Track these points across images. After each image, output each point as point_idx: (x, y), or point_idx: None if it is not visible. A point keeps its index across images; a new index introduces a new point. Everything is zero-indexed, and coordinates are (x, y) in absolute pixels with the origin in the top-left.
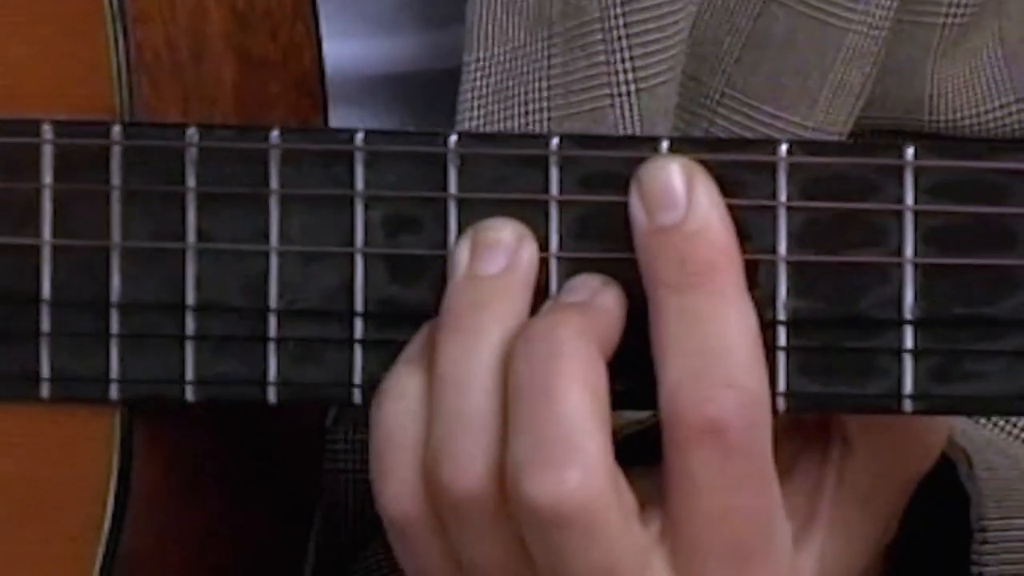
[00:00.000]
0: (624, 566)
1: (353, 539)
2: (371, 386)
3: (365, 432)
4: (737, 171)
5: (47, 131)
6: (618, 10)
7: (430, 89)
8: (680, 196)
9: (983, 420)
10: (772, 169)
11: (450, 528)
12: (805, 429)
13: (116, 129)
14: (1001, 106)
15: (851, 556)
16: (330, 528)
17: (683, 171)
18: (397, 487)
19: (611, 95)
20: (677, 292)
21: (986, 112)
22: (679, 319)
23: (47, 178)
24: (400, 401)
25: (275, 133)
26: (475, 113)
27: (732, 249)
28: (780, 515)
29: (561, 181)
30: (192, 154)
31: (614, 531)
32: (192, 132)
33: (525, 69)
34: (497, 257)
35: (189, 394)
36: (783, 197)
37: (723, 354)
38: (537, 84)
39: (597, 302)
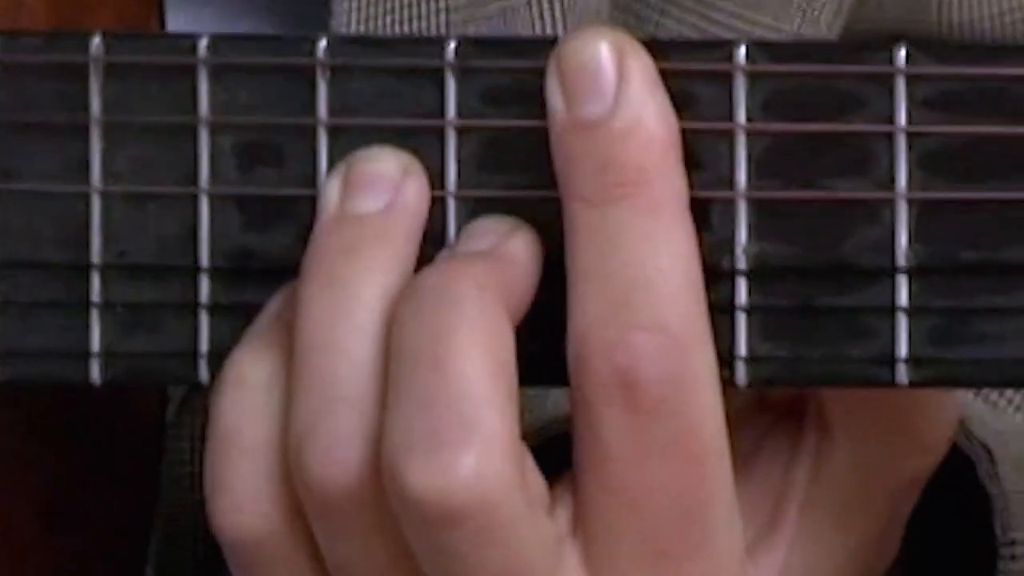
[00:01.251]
0: (530, 569)
1: (203, 563)
2: (220, 359)
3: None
4: (683, 82)
5: None
6: None
7: None
8: (608, 82)
9: (1003, 402)
10: (727, 79)
11: (317, 535)
12: (772, 412)
13: None
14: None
15: (824, 571)
16: (172, 550)
17: (614, 49)
18: (239, 497)
19: (528, 3)
20: (595, 206)
21: (1010, 11)
22: (593, 242)
23: None
24: (246, 386)
25: (96, 40)
26: (353, 16)
27: (669, 156)
28: (723, 507)
29: (460, 98)
30: None
31: (518, 527)
32: None
33: None
34: (376, 193)
35: None
36: (741, 116)
37: (643, 288)
38: None
39: (503, 250)
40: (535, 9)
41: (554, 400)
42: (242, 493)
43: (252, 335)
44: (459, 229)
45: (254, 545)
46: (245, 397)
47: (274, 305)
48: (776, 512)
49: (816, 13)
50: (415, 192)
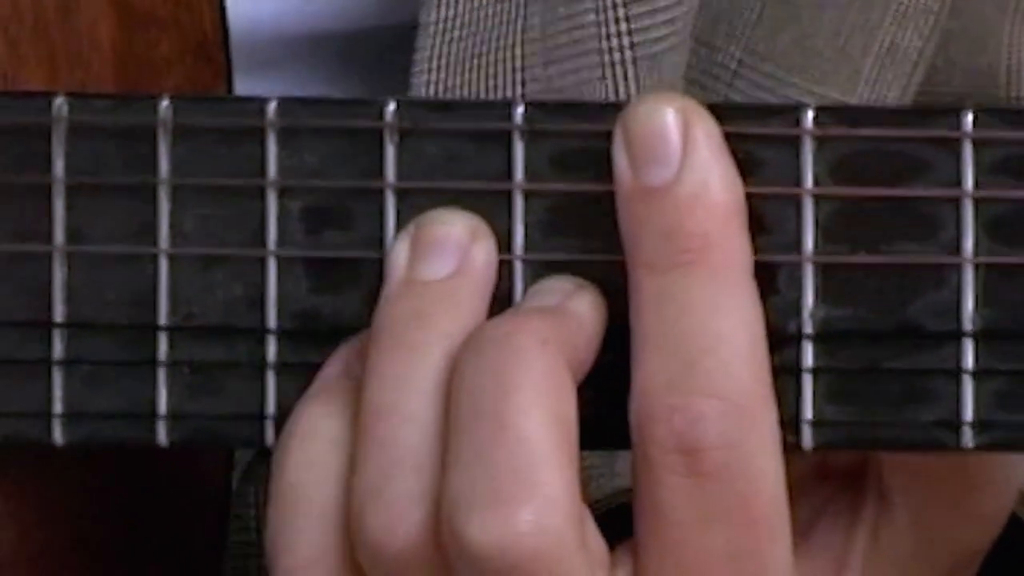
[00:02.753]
0: None
1: None
2: (285, 420)
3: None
4: (751, 146)
5: None
6: None
7: (371, 53)
8: (674, 148)
9: None
10: (795, 143)
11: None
12: (833, 480)
13: None
14: None
15: None
16: None
17: (679, 115)
18: (303, 558)
19: (602, 64)
20: (660, 272)
21: None
22: (658, 307)
23: None
24: (312, 442)
25: (164, 103)
26: (432, 85)
27: (734, 223)
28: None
29: (528, 161)
30: (60, 131)
31: None
32: (60, 103)
33: (495, 32)
34: (444, 257)
35: (57, 434)
36: (809, 181)
37: (707, 354)
38: (509, 51)
39: (567, 307)
40: (610, 83)
41: (619, 472)
42: (306, 554)
43: (319, 391)
44: (525, 293)
45: None
46: (310, 454)
47: (339, 361)
48: None
49: (885, 89)
50: (483, 256)
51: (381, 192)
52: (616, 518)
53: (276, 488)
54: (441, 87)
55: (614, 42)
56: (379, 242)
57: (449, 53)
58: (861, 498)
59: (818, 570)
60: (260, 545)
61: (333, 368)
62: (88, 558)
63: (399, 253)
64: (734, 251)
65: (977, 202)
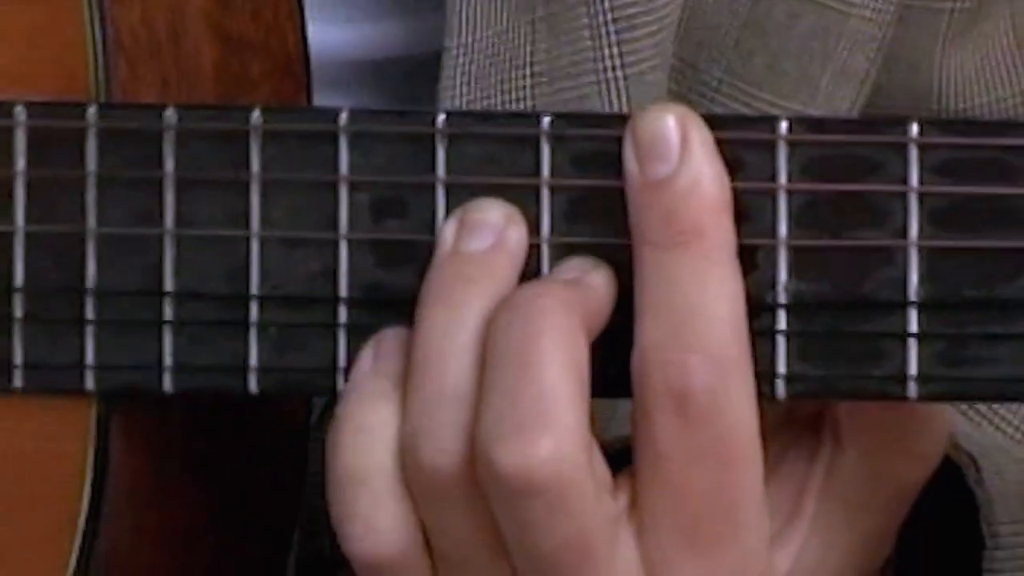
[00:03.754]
0: (593, 539)
1: (332, 546)
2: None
3: None
4: (736, 149)
5: (20, 113)
6: None
7: (413, 74)
8: (673, 148)
9: (985, 423)
10: (772, 148)
11: (422, 511)
12: (796, 425)
13: (91, 111)
14: (1014, 95)
15: (832, 563)
16: (311, 542)
17: (678, 121)
18: (366, 523)
19: (597, 82)
20: (660, 250)
21: (998, 101)
22: (658, 279)
23: (20, 163)
24: (373, 396)
25: (256, 113)
26: (457, 99)
27: (722, 211)
28: (754, 504)
29: (553, 162)
30: (170, 136)
31: (585, 502)
32: (170, 113)
33: (508, 55)
34: (484, 235)
35: (167, 384)
36: (783, 178)
37: (696, 319)
38: (521, 71)
39: (585, 280)
40: (605, 97)
41: (618, 421)
42: (368, 519)
43: (358, 382)
44: (551, 270)
45: (386, 564)
46: (361, 435)
47: (395, 329)
48: (795, 509)
49: (838, 103)
50: (515, 236)
51: (433, 186)
52: (618, 459)
53: (331, 468)
54: (464, 101)
55: (608, 63)
56: (431, 227)
57: (469, 73)
58: (819, 440)
59: (782, 500)
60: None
61: (388, 333)
62: (191, 490)
63: (448, 231)
64: (721, 235)
65: (921, 196)
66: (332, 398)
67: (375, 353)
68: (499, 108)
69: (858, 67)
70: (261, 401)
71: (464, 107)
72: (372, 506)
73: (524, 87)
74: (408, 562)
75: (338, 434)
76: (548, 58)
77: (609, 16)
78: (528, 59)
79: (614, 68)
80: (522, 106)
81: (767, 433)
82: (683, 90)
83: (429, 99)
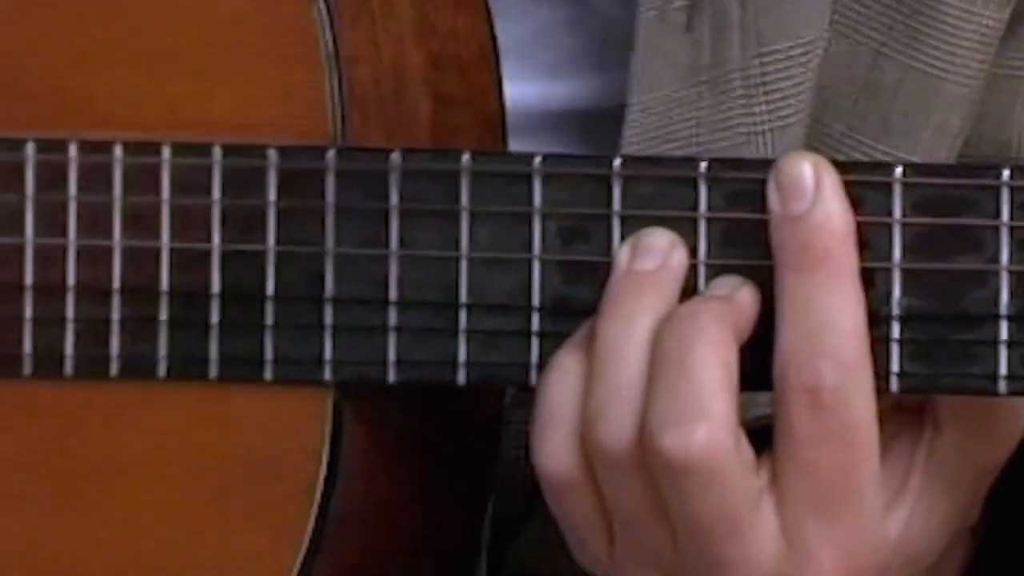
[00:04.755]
0: (739, 509)
1: (519, 513)
2: (544, 368)
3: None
4: (859, 189)
5: (272, 155)
6: (756, 61)
7: (597, 125)
8: (809, 189)
9: None
10: (888, 188)
11: (600, 480)
12: (903, 413)
13: (331, 153)
14: None
15: (933, 527)
16: (504, 504)
17: (813, 167)
18: (554, 447)
19: (747, 134)
20: (797, 272)
21: None
22: (795, 296)
23: (271, 195)
24: (562, 376)
25: (466, 156)
26: (635, 146)
27: (848, 241)
28: (871, 479)
29: (709, 198)
30: (395, 175)
31: (733, 479)
32: (395, 156)
33: (678, 110)
34: (653, 256)
35: (391, 376)
36: (897, 213)
37: (826, 330)
38: (686, 124)
39: (735, 296)
40: (755, 147)
41: (758, 403)
42: (554, 448)
43: (569, 344)
44: (706, 286)
45: (561, 483)
46: (561, 383)
47: (584, 328)
48: (903, 484)
49: (936, 153)
50: (678, 258)
51: (610, 217)
52: (758, 437)
53: (538, 404)
54: (639, 148)
55: (757, 119)
56: (608, 250)
57: (646, 124)
58: (921, 427)
59: (892, 476)
60: (518, 451)
61: (578, 335)
62: (413, 462)
63: (623, 253)
64: (847, 260)
65: (1011, 229)
66: (523, 389)
67: (589, 327)
68: (666, 154)
69: (953, 124)
70: (466, 391)
71: (638, 153)
72: (558, 441)
73: (687, 137)
74: (577, 488)
75: (548, 373)
76: (708, 114)
77: (760, 80)
78: (694, 114)
79: (761, 123)
80: (684, 153)
81: (882, 421)
82: (811, 140)
83: (606, 145)
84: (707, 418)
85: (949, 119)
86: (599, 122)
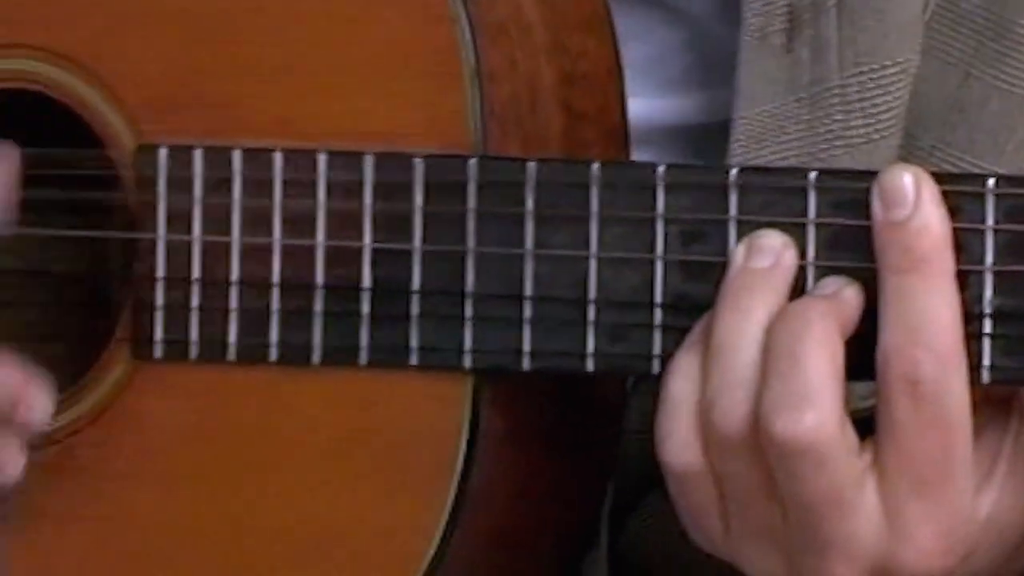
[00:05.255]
0: (844, 488)
1: (636, 488)
2: (665, 359)
3: (650, 401)
4: (955, 198)
5: (419, 164)
6: (853, 80)
7: (704, 139)
8: (909, 197)
9: None
10: (982, 197)
11: (716, 464)
12: (993, 404)
13: (472, 162)
14: None
15: (1018, 509)
16: (624, 478)
17: (914, 177)
18: (678, 440)
19: (845, 147)
20: (898, 274)
21: None
22: (897, 296)
23: (418, 199)
24: (682, 374)
25: (596, 166)
26: (741, 157)
27: (945, 245)
28: (964, 462)
29: (817, 205)
30: (531, 182)
31: (839, 461)
32: (531, 165)
33: (780, 125)
34: (767, 255)
35: (525, 364)
36: (990, 220)
37: (925, 326)
38: (787, 137)
39: (840, 294)
40: (851, 160)
41: (860, 395)
42: (678, 441)
43: (687, 345)
44: (814, 285)
45: (685, 472)
46: (681, 380)
47: (700, 325)
48: (991, 468)
49: (1018, 163)
50: (789, 258)
51: (726, 222)
52: (860, 426)
53: (663, 405)
54: (745, 159)
55: (855, 132)
56: (724, 251)
57: (751, 136)
58: (1010, 416)
59: (982, 460)
60: (632, 433)
61: (694, 333)
62: (544, 443)
63: (739, 253)
64: (944, 263)
65: None
66: (645, 377)
67: (704, 324)
68: (773, 165)
69: None
70: (591, 378)
71: (746, 163)
72: (682, 433)
73: (790, 149)
74: (700, 479)
75: (669, 374)
76: (809, 128)
77: (856, 96)
78: (794, 129)
79: (860, 136)
80: (788, 163)
81: (974, 410)
82: (904, 154)
83: (712, 157)
84: (815, 405)
85: None
86: (706, 136)
